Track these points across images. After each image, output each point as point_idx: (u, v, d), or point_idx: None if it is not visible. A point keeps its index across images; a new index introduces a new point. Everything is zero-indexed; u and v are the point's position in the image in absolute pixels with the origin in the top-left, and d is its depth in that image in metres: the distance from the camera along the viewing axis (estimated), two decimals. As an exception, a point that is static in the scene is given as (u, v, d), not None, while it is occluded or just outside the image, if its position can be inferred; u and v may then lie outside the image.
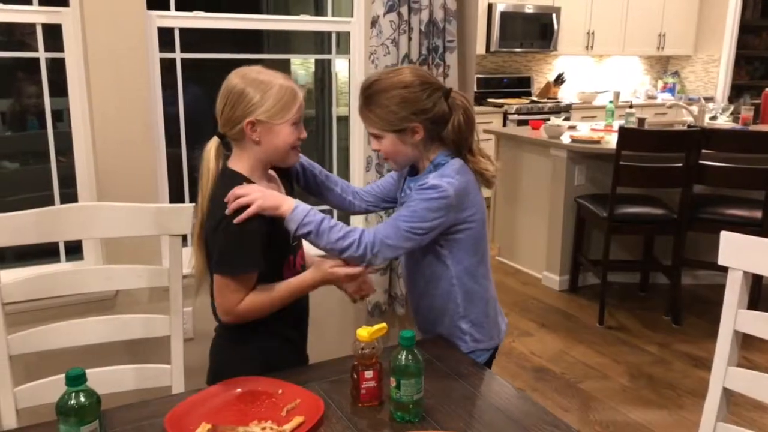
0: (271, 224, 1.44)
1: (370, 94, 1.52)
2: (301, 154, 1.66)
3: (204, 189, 1.46)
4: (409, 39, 2.51)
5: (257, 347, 1.52)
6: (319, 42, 3.30)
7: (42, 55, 2.15)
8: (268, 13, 4.57)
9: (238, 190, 1.39)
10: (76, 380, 1.08)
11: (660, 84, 7.42)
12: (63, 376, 1.09)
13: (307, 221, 1.42)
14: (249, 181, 1.45)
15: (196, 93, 3.14)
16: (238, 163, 1.48)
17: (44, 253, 2.29)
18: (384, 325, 1.30)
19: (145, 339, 1.67)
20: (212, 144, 1.47)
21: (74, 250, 2.31)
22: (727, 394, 1.47)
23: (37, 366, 1.74)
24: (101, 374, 1.59)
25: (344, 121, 2.85)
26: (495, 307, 1.67)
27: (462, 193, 1.50)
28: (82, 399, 1.08)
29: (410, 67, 1.58)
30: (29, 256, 2.28)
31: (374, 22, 2.48)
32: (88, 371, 1.11)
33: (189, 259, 1.53)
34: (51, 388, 1.55)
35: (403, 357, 1.23)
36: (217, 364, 1.57)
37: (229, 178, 1.45)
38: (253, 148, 1.45)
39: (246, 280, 1.43)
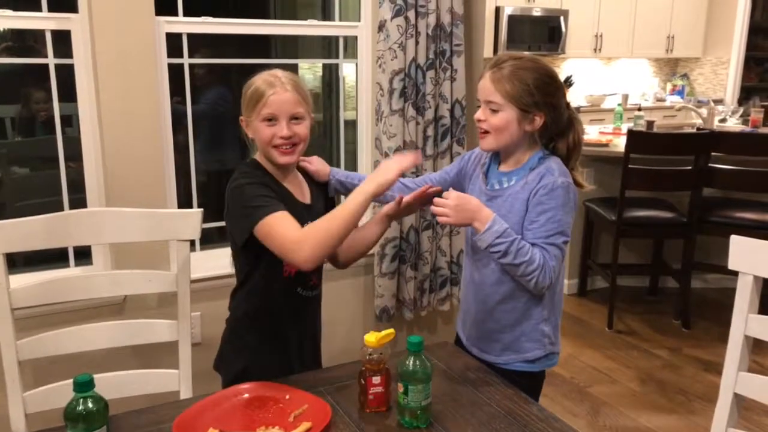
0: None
1: (514, 66, 1.48)
2: (336, 169, 1.70)
3: None
4: (417, 43, 2.51)
5: (245, 338, 1.59)
6: (326, 46, 3.31)
7: (51, 61, 2.17)
8: (275, 18, 4.59)
9: (443, 199, 1.44)
10: (84, 386, 1.08)
11: (669, 86, 7.38)
12: (71, 381, 1.09)
13: (499, 241, 1.42)
14: (264, 171, 1.53)
15: (223, 94, 3.18)
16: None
17: (53, 258, 2.30)
18: (392, 330, 1.30)
19: (154, 344, 1.68)
20: None
21: (83, 255, 2.32)
22: (738, 399, 1.46)
23: (46, 371, 1.75)
24: (109, 379, 1.59)
25: (352, 125, 2.85)
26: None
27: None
28: (90, 405, 1.08)
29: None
30: (38, 262, 2.29)
31: (381, 27, 2.49)
32: (96, 376, 1.11)
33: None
34: (60, 393, 1.55)
35: (411, 362, 1.22)
36: (221, 348, 1.65)
37: (246, 164, 1.55)
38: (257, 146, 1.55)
39: (283, 216, 1.40)
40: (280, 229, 1.38)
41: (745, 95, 6.90)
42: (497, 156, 1.61)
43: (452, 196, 1.45)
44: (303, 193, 1.59)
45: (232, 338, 1.61)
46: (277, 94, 1.46)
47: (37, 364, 1.68)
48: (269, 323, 1.57)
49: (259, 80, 1.49)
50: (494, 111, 1.49)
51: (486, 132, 1.52)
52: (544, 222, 1.46)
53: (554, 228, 1.47)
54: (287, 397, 1.31)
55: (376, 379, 1.27)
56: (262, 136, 1.49)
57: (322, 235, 1.35)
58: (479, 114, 1.53)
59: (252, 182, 1.45)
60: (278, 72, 1.51)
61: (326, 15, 3.74)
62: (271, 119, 1.47)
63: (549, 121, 1.51)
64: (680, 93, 7.17)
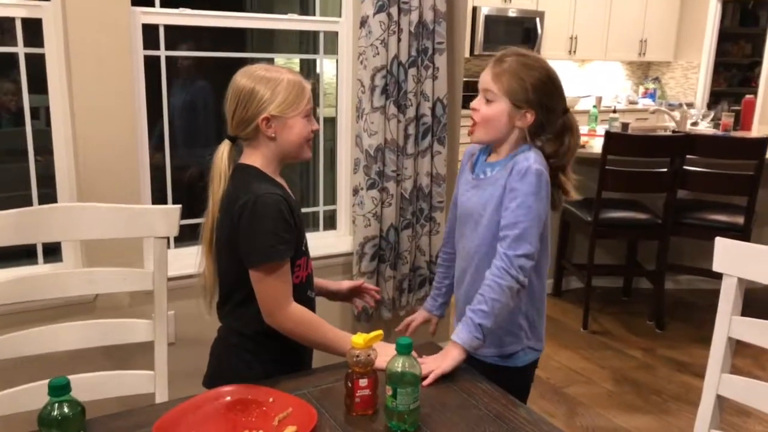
0: (293, 217, 1.41)
1: (516, 61, 1.49)
2: (428, 305, 1.78)
3: (215, 194, 1.43)
4: (399, 40, 2.48)
5: (262, 355, 1.47)
6: (304, 42, 3.26)
7: (21, 50, 2.09)
8: (251, 12, 4.52)
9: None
10: (60, 390, 1.03)
11: (641, 89, 7.48)
12: (41, 383, 1.04)
13: (479, 332, 1.42)
14: (264, 175, 1.43)
15: (204, 88, 3.12)
16: (252, 161, 1.45)
17: (21, 254, 2.22)
18: (380, 332, 1.27)
19: (125, 344, 1.62)
20: (224, 148, 1.45)
21: (52, 251, 2.24)
22: (721, 401, 1.47)
23: (13, 372, 1.68)
24: (81, 381, 1.53)
25: (331, 122, 2.81)
26: (544, 309, 1.66)
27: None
28: (66, 410, 1.03)
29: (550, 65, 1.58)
30: (5, 258, 2.20)
31: (363, 23, 2.45)
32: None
33: (198, 262, 1.50)
34: (28, 395, 1.49)
35: (400, 365, 1.20)
36: (218, 365, 1.52)
37: (244, 172, 1.43)
38: (269, 146, 1.44)
39: (287, 269, 1.39)
40: (274, 282, 1.38)
41: (714, 99, 7.03)
42: (487, 149, 1.62)
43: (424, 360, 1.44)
44: (287, 191, 1.52)
45: (238, 354, 1.48)
46: (309, 88, 1.44)
47: (3, 366, 1.61)
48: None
49: (285, 74, 1.41)
50: (489, 101, 1.51)
51: (476, 124, 1.54)
52: (514, 209, 1.46)
53: (522, 214, 1.45)
54: (271, 400, 1.26)
55: (363, 382, 1.24)
56: (302, 132, 1.44)
57: (298, 329, 1.41)
58: (475, 103, 1.54)
59: (276, 216, 1.36)
60: (275, 66, 1.45)
61: (304, 9, 3.69)
62: (308, 114, 1.44)
63: (540, 122, 1.51)
64: (652, 96, 7.28)
